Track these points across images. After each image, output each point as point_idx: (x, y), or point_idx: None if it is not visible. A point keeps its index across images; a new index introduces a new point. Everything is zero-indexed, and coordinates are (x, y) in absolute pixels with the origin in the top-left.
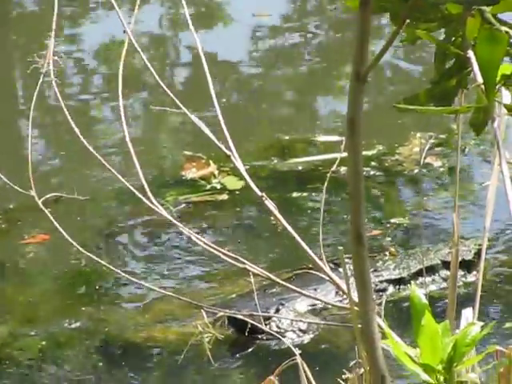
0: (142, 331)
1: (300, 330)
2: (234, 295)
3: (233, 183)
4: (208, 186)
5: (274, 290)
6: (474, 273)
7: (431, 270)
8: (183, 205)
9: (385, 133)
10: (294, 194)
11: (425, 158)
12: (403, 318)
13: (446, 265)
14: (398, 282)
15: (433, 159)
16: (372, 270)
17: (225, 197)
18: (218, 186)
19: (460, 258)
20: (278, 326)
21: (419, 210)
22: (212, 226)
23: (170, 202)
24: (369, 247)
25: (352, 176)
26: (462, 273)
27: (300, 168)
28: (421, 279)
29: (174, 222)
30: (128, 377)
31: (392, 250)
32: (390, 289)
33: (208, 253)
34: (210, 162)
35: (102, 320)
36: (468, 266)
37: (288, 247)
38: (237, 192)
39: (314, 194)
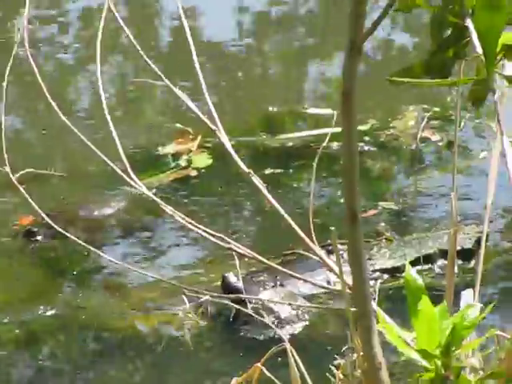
0: (121, 319)
1: (290, 317)
2: (219, 282)
3: (201, 161)
4: (172, 164)
5: (261, 277)
6: (474, 262)
7: (428, 259)
8: (157, 184)
9: (376, 106)
10: (283, 171)
11: (422, 131)
12: (398, 307)
13: (444, 254)
14: (393, 271)
15: (430, 133)
16: (367, 258)
17: (194, 174)
18: (183, 164)
19: (459, 247)
20: (265, 312)
21: (417, 189)
22: (188, 206)
23: (149, 182)
24: (364, 232)
25: (346, 152)
26: (461, 262)
27: (290, 144)
28: (417, 268)
29: (159, 202)
30: (105, 367)
31: (388, 234)
32: (385, 278)
33: (192, 236)
34: (199, 137)
35: (79, 307)
36: (467, 255)
37: (274, 229)
38: (203, 170)
39: (304, 171)
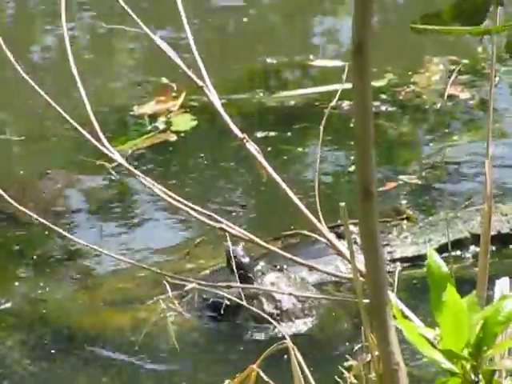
0: (89, 315)
1: (294, 309)
2: (207, 271)
3: (183, 123)
4: (149, 127)
5: (259, 267)
6: None
7: (458, 245)
8: (131, 150)
9: (394, 57)
10: (284, 136)
11: (449, 88)
12: (421, 301)
13: (477, 239)
14: (416, 260)
15: (458, 90)
16: (384, 243)
17: (173, 138)
18: (161, 127)
19: (495, 231)
20: (263, 305)
21: (443, 158)
22: (167, 177)
23: (121, 148)
24: (381, 210)
25: (359, 113)
26: (497, 247)
27: (291, 103)
28: (445, 255)
29: (135, 172)
30: (71, 370)
31: (409, 213)
32: (406, 267)
33: (175, 214)
34: (182, 95)
35: (39, 300)
36: (504, 240)
37: (273, 205)
38: (182, 134)
39: (308, 135)
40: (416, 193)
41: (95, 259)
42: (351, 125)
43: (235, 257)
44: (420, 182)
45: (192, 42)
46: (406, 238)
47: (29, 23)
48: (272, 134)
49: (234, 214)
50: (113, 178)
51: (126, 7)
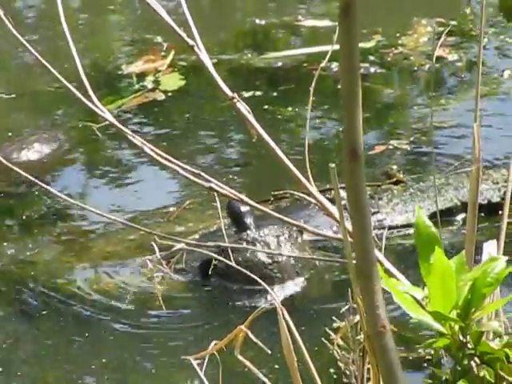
0: (78, 276)
1: (282, 272)
2: (196, 235)
3: (171, 82)
4: (136, 86)
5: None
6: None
7: (449, 212)
8: (119, 109)
9: (382, 19)
10: (272, 96)
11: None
12: (411, 267)
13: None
14: (407, 227)
15: (445, 52)
16: (373, 211)
17: (160, 97)
18: (150, 86)
19: (485, 200)
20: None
21: (432, 120)
22: (155, 137)
23: (109, 107)
24: (370, 174)
25: (346, 74)
26: (487, 214)
27: (278, 64)
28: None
29: (126, 131)
30: (60, 334)
31: (400, 176)
32: (396, 233)
33: (163, 175)
34: (171, 53)
35: (27, 262)
36: (494, 209)
37: (263, 166)
38: (169, 94)
39: (297, 96)
40: (405, 157)
41: (84, 221)
42: (340, 87)
43: (235, 206)
44: (409, 146)
45: (183, 2)
46: (396, 206)
47: None
48: (258, 93)
49: (230, 176)
50: (100, 137)
51: None
